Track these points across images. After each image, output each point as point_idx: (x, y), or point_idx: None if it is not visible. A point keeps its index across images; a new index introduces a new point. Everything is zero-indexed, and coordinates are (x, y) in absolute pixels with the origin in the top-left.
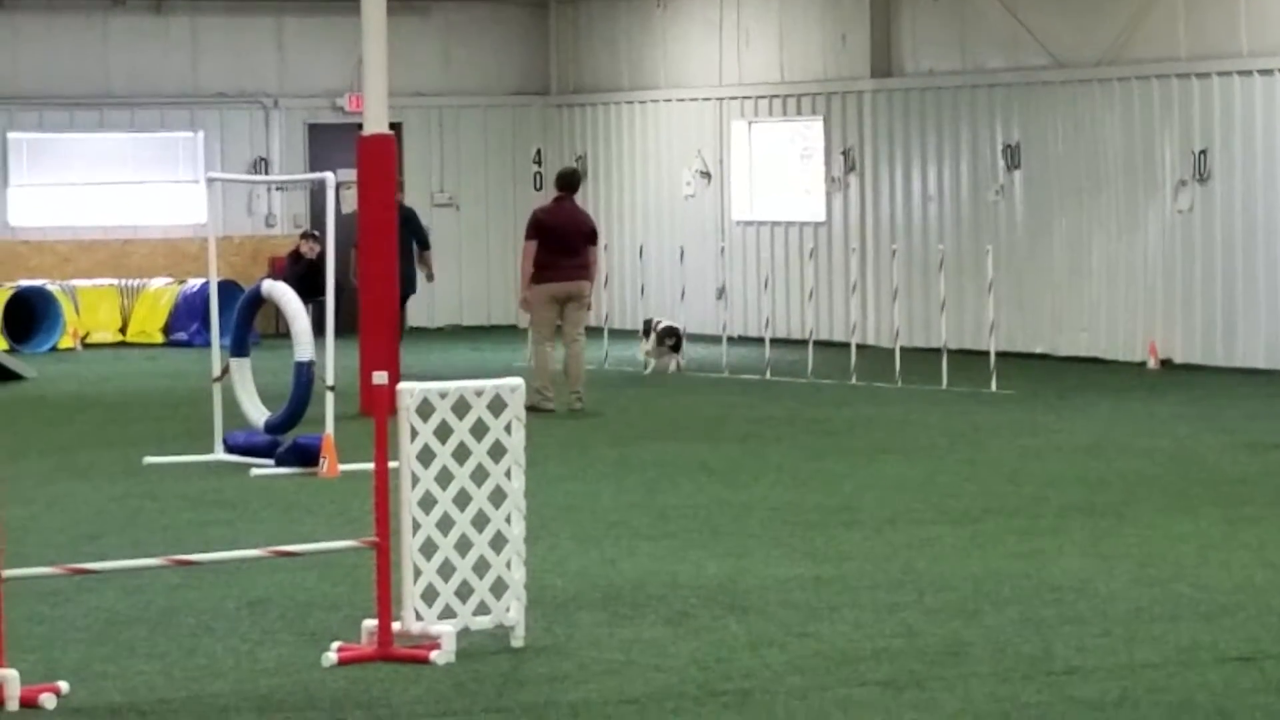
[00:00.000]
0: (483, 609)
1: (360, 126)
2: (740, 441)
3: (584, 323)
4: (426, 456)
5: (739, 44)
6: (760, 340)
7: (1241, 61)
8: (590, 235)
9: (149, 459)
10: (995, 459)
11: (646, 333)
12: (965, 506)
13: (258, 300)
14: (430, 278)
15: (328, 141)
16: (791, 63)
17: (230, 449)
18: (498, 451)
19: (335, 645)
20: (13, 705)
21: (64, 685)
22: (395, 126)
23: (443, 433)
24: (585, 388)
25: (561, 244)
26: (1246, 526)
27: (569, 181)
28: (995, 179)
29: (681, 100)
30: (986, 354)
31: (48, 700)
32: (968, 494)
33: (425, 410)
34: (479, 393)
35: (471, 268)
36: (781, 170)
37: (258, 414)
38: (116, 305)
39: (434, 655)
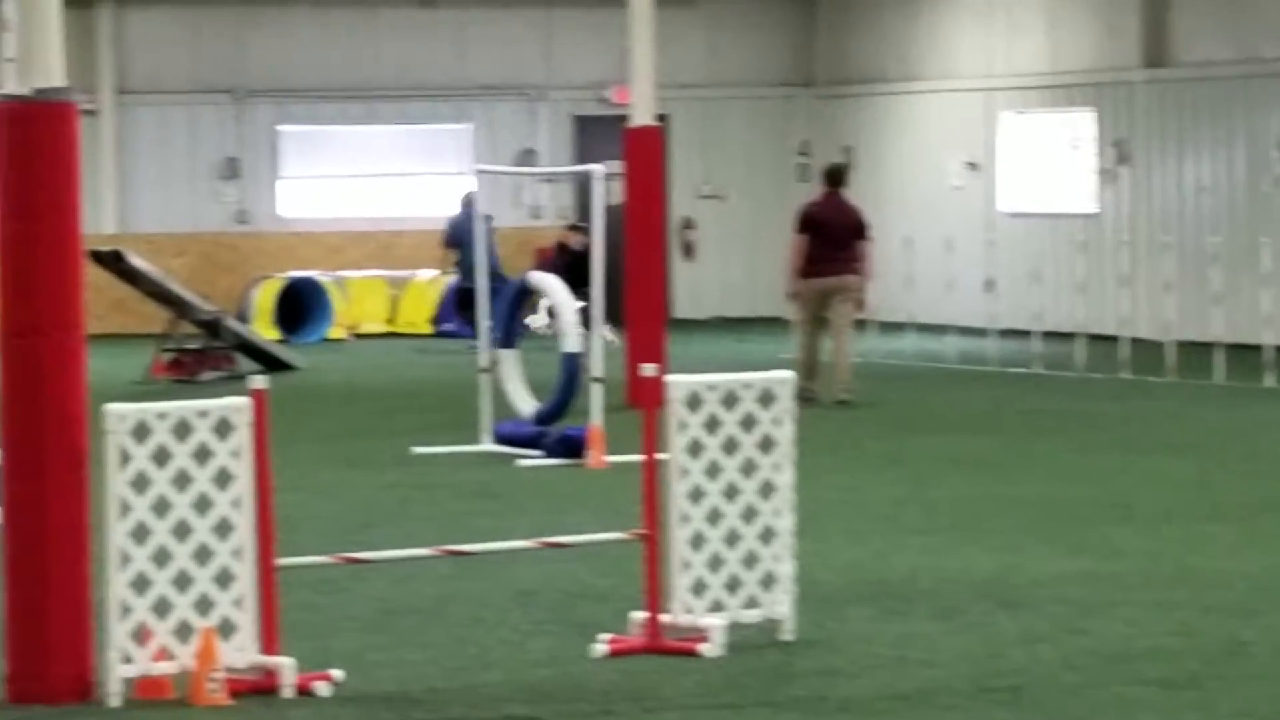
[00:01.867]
0: (752, 602)
1: (627, 118)
2: (1010, 435)
3: (851, 316)
4: (695, 449)
5: (1008, 33)
6: (1028, 333)
7: None
8: (860, 229)
9: (417, 449)
10: (1271, 455)
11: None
12: (1241, 503)
13: (525, 292)
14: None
15: (594, 133)
16: (1061, 53)
17: (498, 440)
18: (767, 444)
19: (604, 637)
20: (288, 692)
21: (338, 673)
22: (662, 118)
23: (712, 425)
24: (853, 379)
25: (831, 238)
26: None
27: (837, 176)
28: (1271, 170)
29: (949, 91)
30: (1260, 348)
31: (322, 688)
32: (1243, 490)
33: (694, 403)
34: (748, 385)
35: (736, 260)
36: (1051, 161)
37: (525, 405)
38: (385, 296)
39: (703, 648)
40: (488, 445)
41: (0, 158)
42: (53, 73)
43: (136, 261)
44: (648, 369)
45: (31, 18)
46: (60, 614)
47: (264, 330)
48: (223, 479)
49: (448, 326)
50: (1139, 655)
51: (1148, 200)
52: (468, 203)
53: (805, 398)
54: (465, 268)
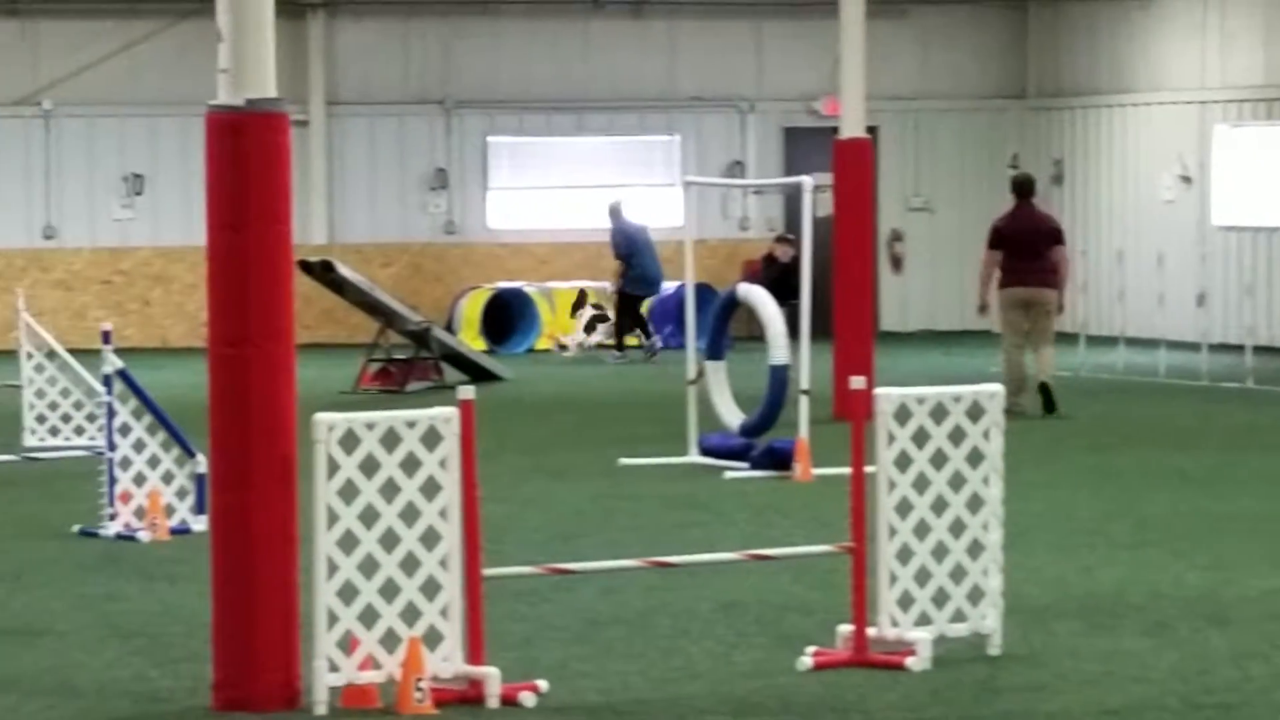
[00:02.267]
0: (959, 616)
1: (837, 130)
2: (1221, 450)
3: (1051, 328)
4: (903, 462)
5: (1222, 45)
6: (1241, 348)
7: None
8: (1052, 235)
9: (624, 460)
10: None
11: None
12: None
13: (733, 304)
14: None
15: (803, 145)
16: (1276, 65)
17: (704, 451)
18: (975, 458)
19: (810, 650)
20: (493, 703)
21: (543, 684)
22: (872, 130)
23: (920, 438)
24: (1057, 391)
25: (1023, 249)
26: None
27: (1025, 187)
28: None
29: (1162, 103)
30: None
31: (527, 698)
32: None
33: (902, 415)
34: (957, 398)
35: (945, 272)
36: (1266, 175)
37: (732, 417)
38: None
39: (909, 661)
40: (694, 457)
41: (212, 168)
42: (265, 83)
43: (346, 272)
44: (856, 381)
45: (244, 29)
46: (267, 622)
47: (471, 341)
48: (430, 489)
49: (654, 337)
50: None
51: None
52: (616, 212)
53: (1012, 411)
54: (633, 277)
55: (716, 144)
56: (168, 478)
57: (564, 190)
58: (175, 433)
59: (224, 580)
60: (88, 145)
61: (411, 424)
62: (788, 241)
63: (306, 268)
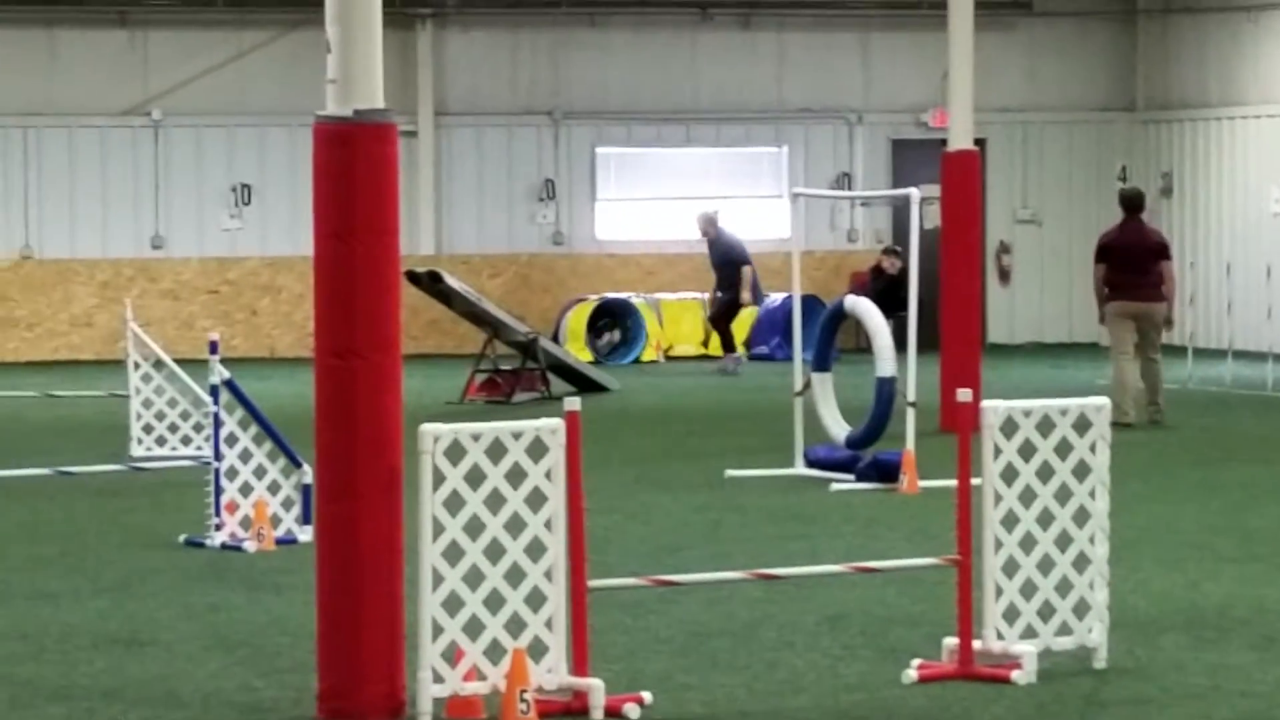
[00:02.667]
0: (1064, 629)
1: (945, 142)
2: None
3: (1159, 340)
4: (1010, 475)
5: None
6: None
7: None
8: (1159, 250)
9: (730, 472)
10: None
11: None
12: None
13: (840, 315)
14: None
15: (911, 157)
16: None
17: (811, 463)
18: (1082, 471)
19: (915, 662)
20: (598, 714)
21: (647, 696)
22: (979, 142)
23: (1026, 451)
24: (1164, 402)
25: (1130, 264)
26: None
27: (1133, 202)
28: None
29: (1272, 116)
30: None
31: (631, 710)
32: None
33: (1009, 428)
34: (1064, 411)
35: (1053, 284)
36: None
37: (839, 429)
38: (699, 318)
39: (1015, 675)
40: (801, 469)
41: (320, 178)
42: (373, 94)
43: (453, 282)
44: (962, 394)
45: (353, 39)
46: (373, 633)
47: (578, 352)
48: (535, 500)
49: (761, 349)
50: None
51: None
52: (713, 222)
53: (1121, 423)
54: (727, 285)
55: (824, 155)
56: (274, 488)
57: (671, 201)
58: (281, 443)
59: (329, 591)
60: (196, 155)
61: (517, 435)
62: (895, 253)
63: (414, 278)
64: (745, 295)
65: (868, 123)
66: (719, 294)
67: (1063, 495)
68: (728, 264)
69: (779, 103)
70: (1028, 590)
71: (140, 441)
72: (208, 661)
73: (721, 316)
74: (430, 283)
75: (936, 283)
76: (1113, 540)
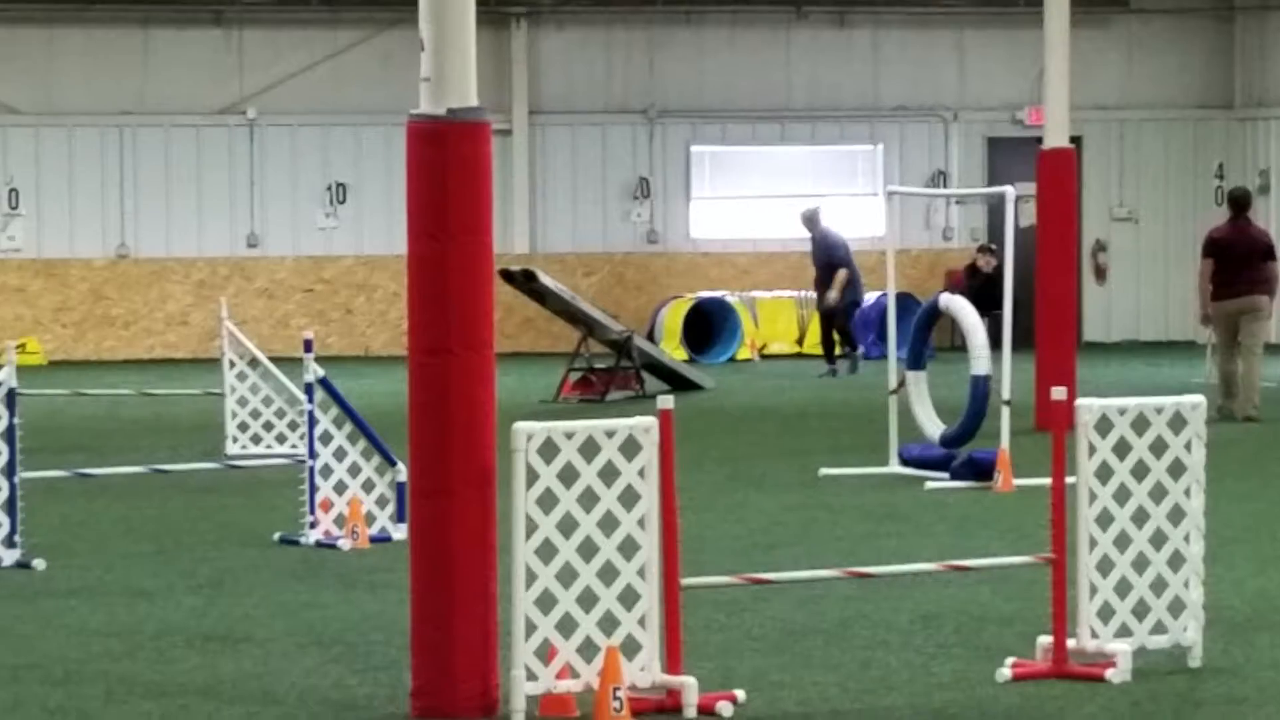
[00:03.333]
0: (1159, 628)
1: (1040, 140)
2: None
3: (1261, 337)
4: (1104, 473)
5: None
6: None
7: None
8: (1266, 250)
9: (824, 470)
10: None
11: None
12: None
13: (935, 314)
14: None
15: (1006, 155)
16: None
17: (905, 462)
18: (1177, 469)
19: (1009, 661)
20: (690, 712)
21: (740, 694)
22: (1075, 140)
23: (1121, 449)
24: (1259, 400)
25: (1237, 261)
26: None
27: (1242, 201)
28: None
29: None
30: None
31: (724, 708)
32: None
33: (1104, 426)
34: (1159, 409)
35: (1149, 282)
36: None
37: (933, 427)
38: (794, 317)
39: (1109, 674)
40: (895, 467)
41: (414, 177)
42: (467, 92)
43: (547, 280)
44: (1057, 392)
45: (447, 38)
46: (466, 631)
47: (672, 350)
48: (629, 498)
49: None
50: None
51: None
52: (814, 220)
53: (1223, 415)
54: (826, 286)
55: (919, 153)
56: (368, 486)
57: (766, 200)
58: (376, 441)
59: (423, 588)
60: (291, 154)
61: (611, 433)
62: (990, 251)
63: (508, 276)
64: (833, 295)
65: (963, 120)
66: (829, 293)
67: (1158, 493)
68: (827, 265)
69: (874, 100)
70: (1122, 589)
71: (235, 439)
72: (302, 659)
73: (840, 313)
74: (525, 281)
75: (1032, 281)
76: (1208, 538)
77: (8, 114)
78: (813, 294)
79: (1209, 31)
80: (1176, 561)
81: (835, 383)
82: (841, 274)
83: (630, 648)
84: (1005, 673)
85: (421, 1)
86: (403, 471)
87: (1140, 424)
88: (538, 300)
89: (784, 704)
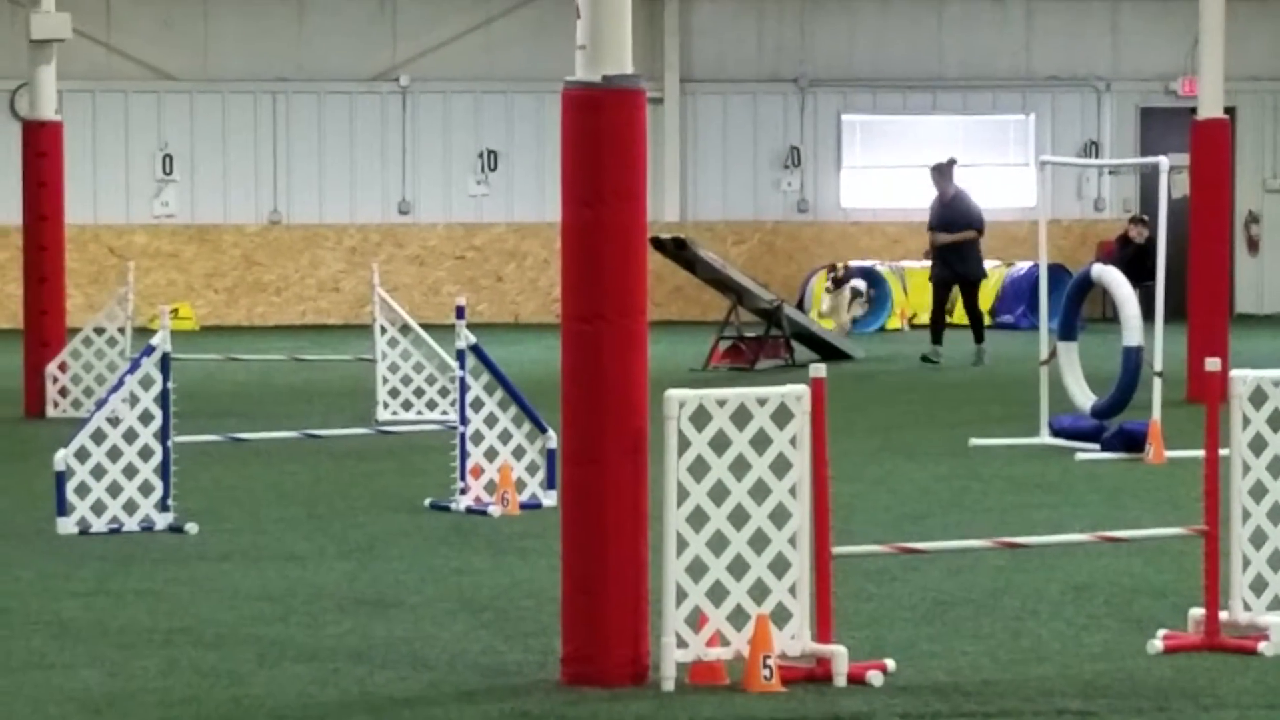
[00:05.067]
0: None
1: (1194, 111)
2: None
3: None
4: (1258, 445)
5: None
6: None
7: None
8: None
9: (974, 441)
10: None
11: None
12: None
13: (1087, 284)
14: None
15: (1159, 125)
16: None
17: (1056, 433)
18: None
19: (1161, 633)
20: (840, 681)
21: (890, 663)
22: (1229, 111)
23: (1275, 421)
24: None
25: None
26: None
27: None
28: None
29: None
30: None
31: (875, 677)
32: None
33: (1258, 398)
34: None
35: None
36: None
37: (1084, 398)
38: None
39: (1262, 646)
40: (1046, 438)
41: (569, 144)
42: (622, 60)
43: (698, 250)
44: (1210, 363)
45: (602, 5)
46: (617, 598)
47: (821, 319)
48: (780, 466)
49: (1006, 318)
50: None
51: None
52: (947, 174)
53: None
54: (976, 257)
55: (1071, 124)
56: (519, 453)
57: (917, 169)
58: (527, 408)
59: (574, 555)
60: (444, 121)
61: (763, 401)
62: (1142, 222)
63: (659, 245)
64: (942, 236)
65: (1116, 91)
66: (950, 267)
67: None
68: (964, 228)
69: (1026, 70)
70: (1275, 561)
71: (386, 405)
72: (452, 624)
73: (975, 301)
74: (675, 249)
75: (1184, 252)
76: None
77: (163, 80)
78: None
79: None
80: None
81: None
82: (970, 234)
83: (780, 616)
84: (1157, 644)
85: None
86: (553, 438)
87: None
88: (687, 268)
89: (934, 674)
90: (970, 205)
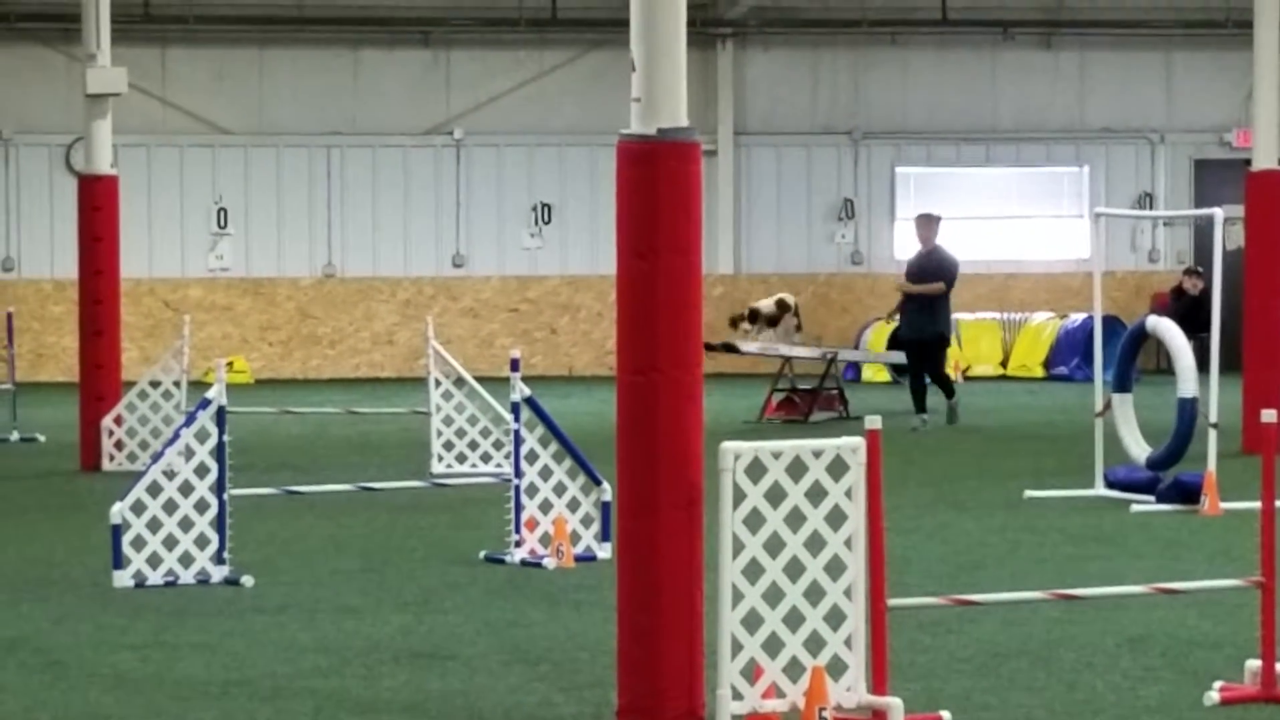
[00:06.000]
0: None
1: (1248, 162)
2: None
3: None
4: None
5: None
6: None
7: None
8: None
9: (1029, 493)
10: None
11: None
12: None
13: (1142, 336)
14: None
15: (1213, 177)
16: None
17: (1111, 484)
18: None
19: (1217, 685)
20: None
21: (946, 715)
22: None
23: None
24: None
25: None
26: None
27: None
28: None
29: None
30: None
31: None
32: None
33: None
34: None
35: None
36: None
37: (1139, 450)
38: (998, 338)
39: None
40: (1101, 490)
41: (624, 196)
42: (677, 112)
43: (749, 347)
44: (1266, 415)
45: (657, 58)
46: (672, 650)
47: (876, 372)
48: (835, 518)
49: (1060, 369)
50: None
51: None
52: (930, 227)
53: None
54: (944, 317)
55: (1125, 175)
56: (573, 505)
57: (971, 221)
58: (581, 460)
59: (630, 606)
60: (497, 174)
61: (818, 453)
62: (1197, 274)
63: (709, 348)
64: (901, 282)
65: (1170, 142)
66: (902, 316)
67: None
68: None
69: (1080, 122)
70: None
71: (441, 458)
72: (508, 676)
73: (940, 361)
74: (725, 351)
75: (1239, 303)
76: None
77: (218, 134)
78: (1017, 315)
79: None
80: None
81: (1040, 405)
82: (938, 287)
83: (836, 668)
84: (1213, 696)
85: (633, 23)
86: (608, 491)
87: None
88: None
89: None
90: (946, 258)
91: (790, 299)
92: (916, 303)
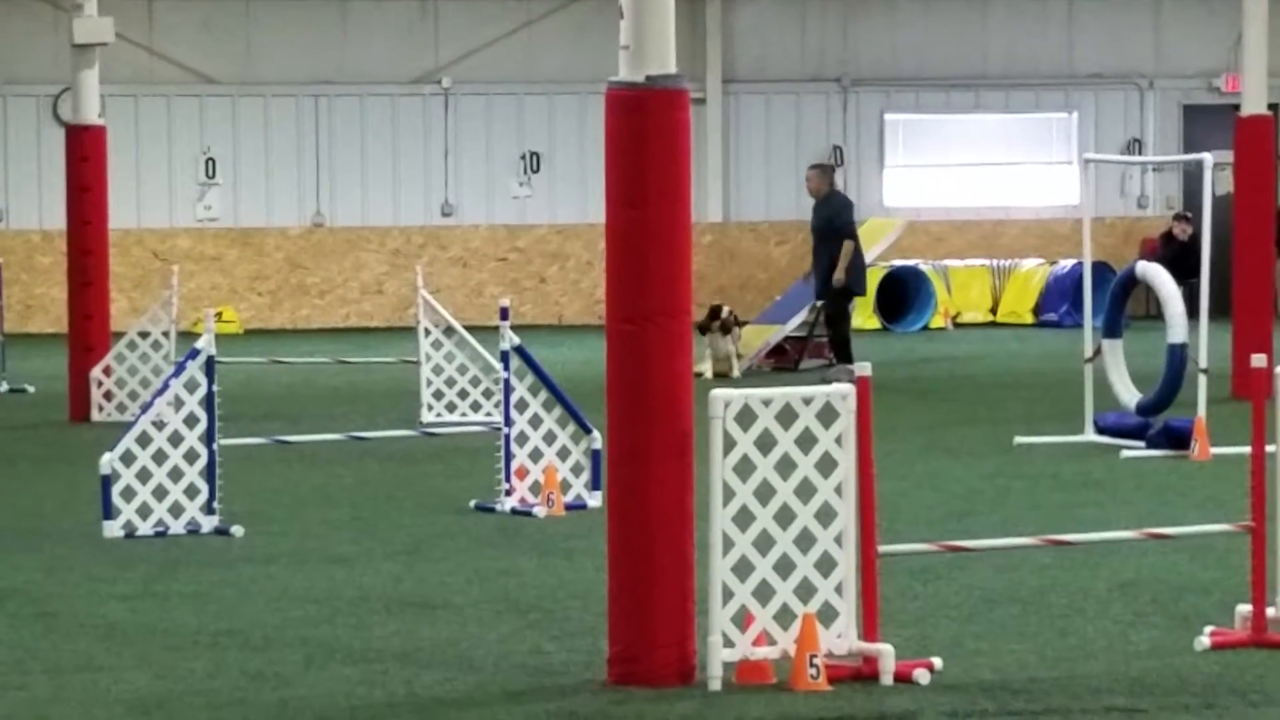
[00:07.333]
0: None
1: (1237, 108)
2: None
3: None
4: None
5: None
6: None
7: None
8: None
9: (1019, 439)
10: None
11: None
12: None
13: (1131, 282)
14: (838, 280)
15: (1203, 122)
16: None
17: (1101, 430)
18: None
19: (1208, 630)
20: (887, 680)
21: (937, 661)
22: (1273, 107)
23: None
24: None
25: None
26: None
27: None
28: None
29: None
30: None
31: (921, 675)
32: None
33: None
34: None
35: None
36: None
37: (1129, 396)
38: (988, 285)
39: None
40: (1091, 436)
41: (612, 144)
42: (666, 59)
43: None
44: (1256, 360)
45: (645, 5)
46: (663, 598)
47: (866, 319)
48: (825, 465)
49: (1050, 316)
50: None
51: None
52: (825, 177)
53: None
54: (858, 267)
55: (1114, 121)
56: (564, 454)
57: (959, 168)
58: (571, 409)
59: (620, 555)
60: (486, 123)
61: (808, 400)
62: (1186, 219)
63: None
64: (840, 275)
65: (1159, 88)
66: (814, 273)
67: None
68: (831, 233)
69: (1069, 68)
70: None
71: (431, 407)
72: (499, 625)
73: (839, 317)
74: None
75: (1228, 249)
76: None
77: (205, 84)
78: (1006, 262)
79: None
80: None
81: (1030, 352)
82: (848, 246)
83: (827, 615)
84: (1204, 641)
85: None
86: (598, 439)
87: None
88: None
89: (980, 672)
90: (837, 204)
91: (724, 308)
92: (824, 259)
